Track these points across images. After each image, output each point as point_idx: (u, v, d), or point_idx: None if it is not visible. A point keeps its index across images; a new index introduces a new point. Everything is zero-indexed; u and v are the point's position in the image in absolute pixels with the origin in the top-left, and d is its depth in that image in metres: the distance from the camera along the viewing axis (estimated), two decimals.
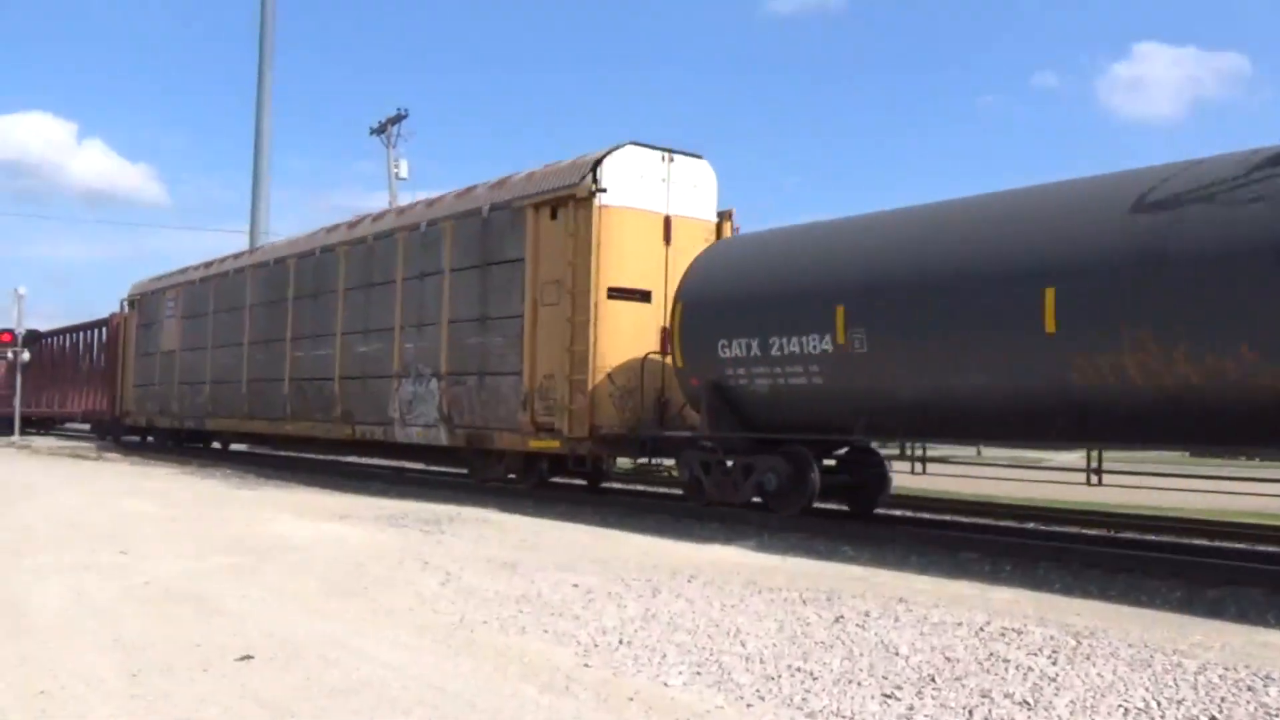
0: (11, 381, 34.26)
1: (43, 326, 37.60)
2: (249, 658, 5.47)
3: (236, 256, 24.01)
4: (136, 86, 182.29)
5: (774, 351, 11.29)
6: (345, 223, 19.72)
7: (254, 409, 21.29)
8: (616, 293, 13.58)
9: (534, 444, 14.26)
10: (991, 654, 5.61)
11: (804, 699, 4.82)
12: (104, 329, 31.68)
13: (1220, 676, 5.20)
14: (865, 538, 11.00)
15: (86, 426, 34.97)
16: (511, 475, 15.62)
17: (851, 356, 10.54)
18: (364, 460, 21.85)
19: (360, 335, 17.91)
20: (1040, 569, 9.34)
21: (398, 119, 42.22)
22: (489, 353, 14.99)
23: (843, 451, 12.51)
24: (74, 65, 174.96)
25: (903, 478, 12.67)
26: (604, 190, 13.48)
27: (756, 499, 11.97)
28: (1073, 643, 5.88)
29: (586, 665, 5.42)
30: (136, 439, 28.55)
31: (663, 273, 13.70)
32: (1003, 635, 6.08)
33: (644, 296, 13.74)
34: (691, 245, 13.63)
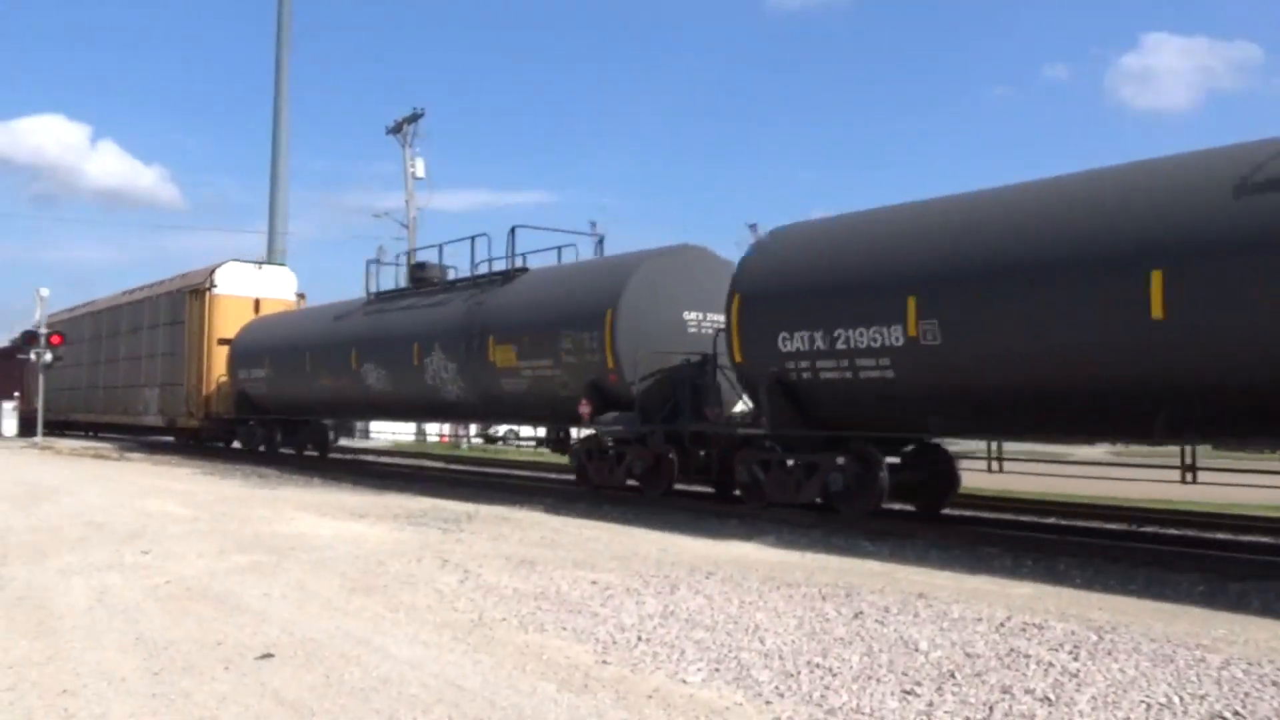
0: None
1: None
2: (270, 656, 5.50)
3: (86, 305, 35.41)
4: (147, 87, 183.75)
5: (258, 374, 23.30)
6: (130, 290, 31.48)
7: (89, 406, 33.33)
8: (223, 341, 25.28)
9: (190, 424, 26.57)
10: (1012, 649, 5.58)
11: (823, 695, 4.80)
12: None
13: (1244, 671, 5.15)
14: (885, 533, 10.97)
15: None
16: (193, 440, 28.08)
17: (289, 379, 22.12)
18: (388, 461, 22.88)
19: (132, 360, 29.79)
20: (1061, 564, 9.29)
21: (414, 118, 42.34)
22: (174, 372, 26.91)
23: (308, 419, 23.99)
24: (85, 66, 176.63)
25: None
26: (215, 286, 25.98)
27: (263, 448, 24.15)
28: (1094, 638, 5.84)
29: (605, 662, 5.42)
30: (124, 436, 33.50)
31: None
32: (1023, 631, 6.05)
33: None
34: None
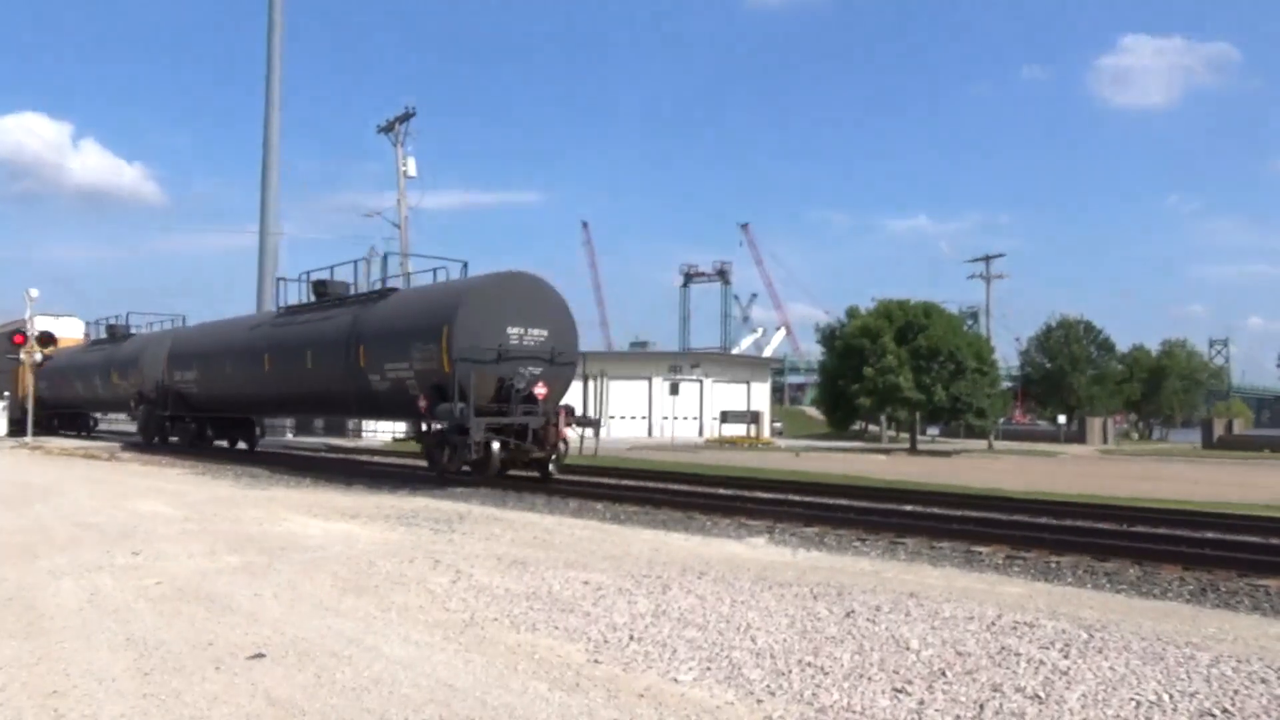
0: None
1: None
2: (261, 656, 5.49)
3: None
4: (130, 85, 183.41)
5: (44, 384, 35.94)
6: None
7: None
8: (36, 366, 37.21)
9: (16, 415, 36.92)
10: (1003, 648, 5.59)
11: (814, 694, 4.81)
12: None
13: (1233, 669, 5.17)
14: (879, 533, 10.99)
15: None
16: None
17: (60, 387, 36.73)
18: (381, 462, 23.03)
19: None
20: (1052, 563, 9.32)
21: (405, 117, 42.28)
22: (7, 384, 38.20)
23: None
24: (66, 64, 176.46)
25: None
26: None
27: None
28: (1084, 636, 5.86)
29: (597, 662, 5.42)
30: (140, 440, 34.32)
31: None
32: (1014, 629, 6.06)
33: None
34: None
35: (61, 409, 37.87)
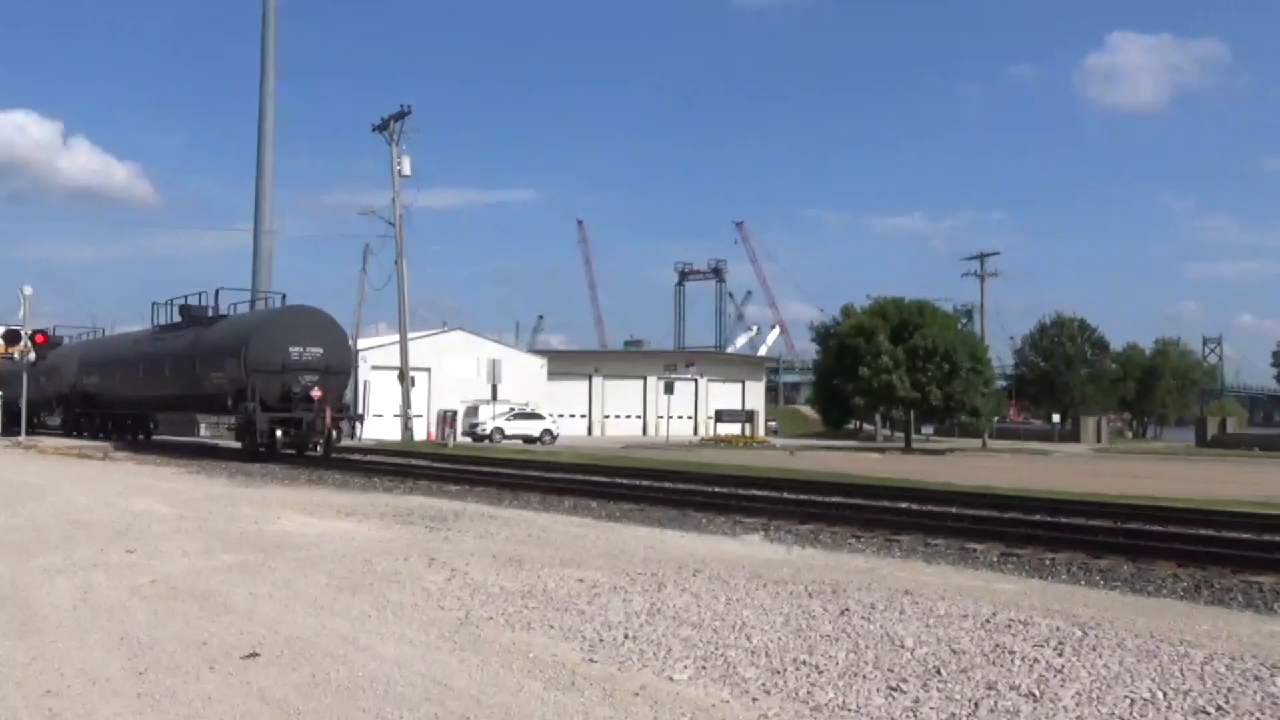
0: None
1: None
2: (255, 655, 5.48)
3: None
4: (121, 83, 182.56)
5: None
6: None
7: None
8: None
9: None
10: (997, 646, 5.60)
11: (809, 692, 4.81)
12: None
13: (1227, 666, 5.18)
14: (873, 530, 11.01)
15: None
16: None
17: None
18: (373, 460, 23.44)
19: None
20: (1046, 560, 9.33)
21: (401, 116, 42.14)
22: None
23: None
24: (56, 61, 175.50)
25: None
26: None
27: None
28: (1079, 634, 5.87)
29: (592, 660, 5.41)
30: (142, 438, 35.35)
31: None
32: (1009, 627, 6.07)
33: None
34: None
35: (8, 406, 40.91)
